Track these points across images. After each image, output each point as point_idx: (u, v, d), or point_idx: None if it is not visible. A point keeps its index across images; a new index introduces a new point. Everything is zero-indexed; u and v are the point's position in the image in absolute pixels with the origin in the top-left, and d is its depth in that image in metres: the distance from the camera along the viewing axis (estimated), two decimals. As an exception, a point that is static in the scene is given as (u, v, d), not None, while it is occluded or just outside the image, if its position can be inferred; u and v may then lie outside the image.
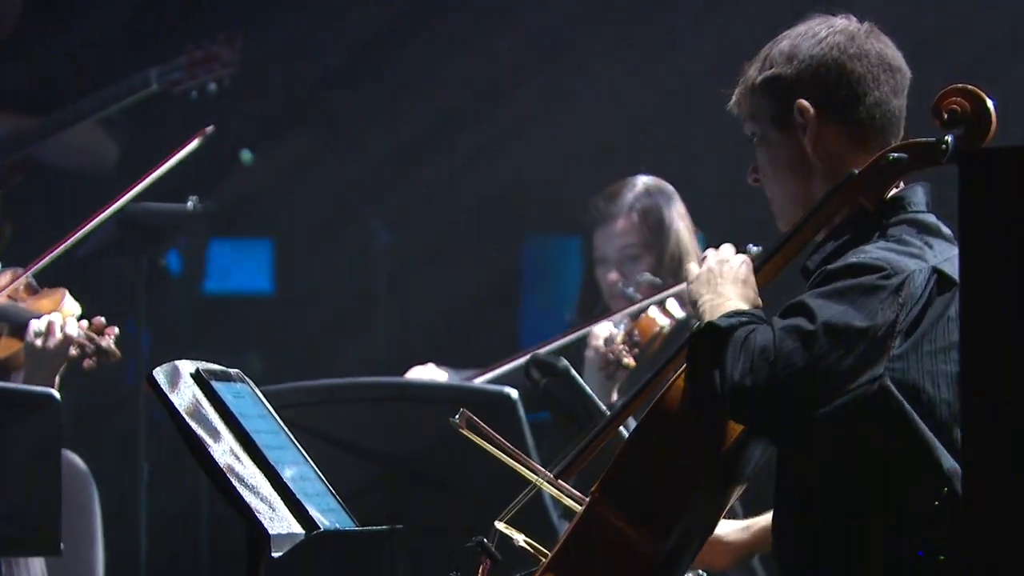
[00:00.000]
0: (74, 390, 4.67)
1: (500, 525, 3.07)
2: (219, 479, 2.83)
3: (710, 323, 2.84)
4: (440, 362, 4.99)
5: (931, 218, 2.97)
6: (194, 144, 4.58)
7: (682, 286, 4.77)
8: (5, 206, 4.79)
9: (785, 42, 3.04)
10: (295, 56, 6.61)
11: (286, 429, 3.07)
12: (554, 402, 4.22)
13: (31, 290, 4.41)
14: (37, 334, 4.22)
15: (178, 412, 2.87)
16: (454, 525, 4.27)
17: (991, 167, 2.20)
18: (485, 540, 3.04)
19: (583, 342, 4.89)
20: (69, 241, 4.44)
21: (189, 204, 5.16)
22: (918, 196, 2.98)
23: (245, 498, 2.82)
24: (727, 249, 3.02)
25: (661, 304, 4.83)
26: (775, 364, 2.74)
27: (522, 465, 3.10)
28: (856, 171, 2.96)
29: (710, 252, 3.02)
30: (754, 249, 4.54)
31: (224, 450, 2.86)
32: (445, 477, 4.34)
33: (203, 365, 2.97)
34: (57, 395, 3.88)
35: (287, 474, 2.92)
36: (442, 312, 6.63)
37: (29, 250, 4.52)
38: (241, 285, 6.97)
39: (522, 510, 3.10)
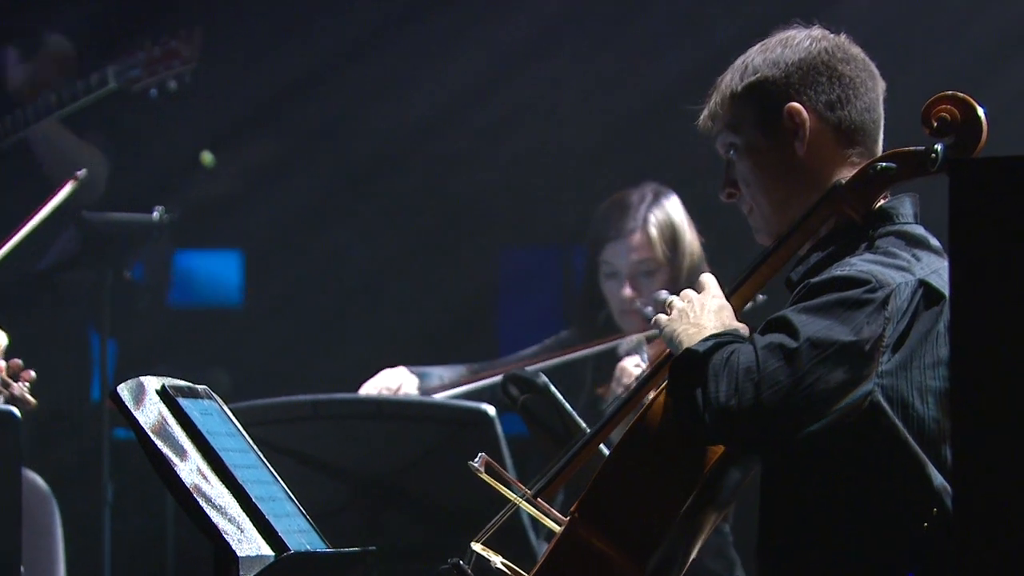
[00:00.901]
0: (35, 407, 4.65)
1: (477, 546, 3.06)
2: (186, 499, 2.83)
3: (687, 349, 2.85)
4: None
5: (919, 230, 2.98)
6: (67, 190, 4.51)
7: None
8: None
9: (763, 52, 3.05)
10: (262, 59, 6.60)
11: (255, 447, 3.07)
12: (532, 419, 4.22)
13: None
14: None
15: (143, 430, 2.86)
16: (429, 546, 4.27)
17: (982, 177, 2.21)
18: (461, 562, 3.04)
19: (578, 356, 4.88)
20: None
21: (155, 214, 5.15)
22: (906, 207, 2.99)
23: (213, 519, 2.81)
24: (706, 279, 3.01)
25: None
26: (760, 384, 2.75)
27: (501, 484, 3.10)
28: (843, 181, 2.97)
29: (672, 297, 3.02)
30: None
31: (191, 469, 2.86)
32: (420, 497, 4.34)
33: (169, 381, 2.97)
34: (16, 412, 3.86)
35: (256, 494, 2.91)
36: (417, 325, 6.62)
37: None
38: (209, 298, 6.95)
39: (499, 531, 3.10)
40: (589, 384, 4.89)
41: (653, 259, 4.94)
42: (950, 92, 2.89)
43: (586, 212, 5.23)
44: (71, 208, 5.42)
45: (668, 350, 4.75)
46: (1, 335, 4.17)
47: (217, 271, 6.99)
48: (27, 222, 4.41)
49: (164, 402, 2.93)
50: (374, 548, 3.13)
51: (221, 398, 3.10)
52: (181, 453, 2.87)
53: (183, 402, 2.95)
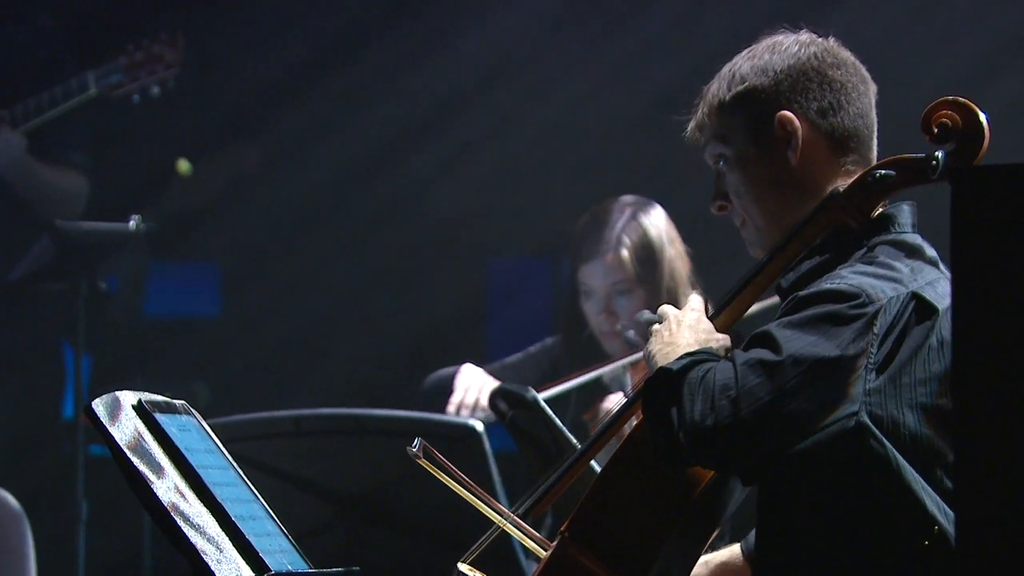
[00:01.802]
0: (6, 422, 4.65)
1: (463, 567, 3.06)
2: (163, 518, 2.82)
3: (660, 368, 2.83)
4: (406, 388, 4.98)
5: (915, 238, 2.97)
6: None
7: None
8: None
9: (751, 59, 3.04)
10: (242, 65, 6.60)
11: (235, 464, 3.06)
12: (521, 435, 4.22)
13: None
14: None
15: (119, 446, 2.85)
16: (415, 567, 4.27)
17: (984, 185, 2.21)
18: (448, 583, 3.04)
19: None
20: None
21: (131, 224, 5.14)
22: (904, 215, 2.98)
23: (190, 538, 2.81)
24: (693, 301, 3.01)
25: None
26: (737, 401, 2.72)
27: (485, 504, 3.09)
28: (840, 189, 2.96)
29: (667, 308, 3.01)
30: None
31: (168, 487, 2.85)
32: (405, 516, 4.33)
33: (146, 396, 2.96)
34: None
35: (236, 513, 2.90)
36: (402, 337, 6.62)
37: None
38: (186, 309, 6.95)
39: (487, 551, 3.09)
40: (573, 409, 4.88)
41: (627, 280, 4.92)
42: (951, 97, 2.89)
43: (575, 221, 5.23)
44: (45, 217, 5.42)
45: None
46: None
47: (195, 282, 6.98)
48: None
49: (140, 417, 2.92)
50: (358, 569, 3.13)
51: (200, 413, 3.09)
52: (158, 470, 2.86)
53: (160, 417, 2.94)
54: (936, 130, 2.87)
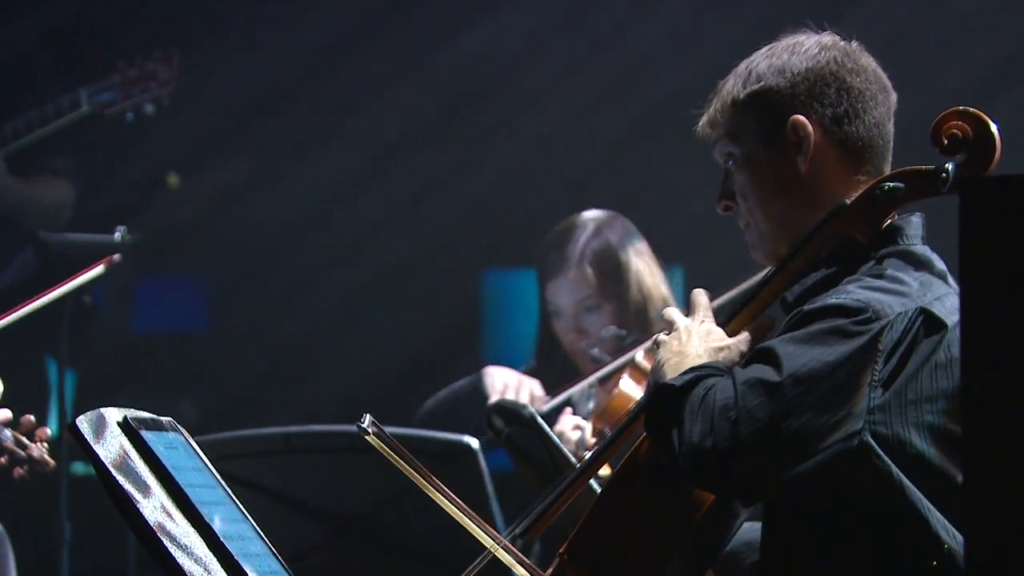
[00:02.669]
0: (53, 468, 4.64)
1: (458, 589, 3.05)
2: (149, 538, 2.81)
3: (664, 384, 2.82)
4: (399, 404, 4.98)
5: (924, 251, 2.96)
6: (98, 270, 4.46)
7: (651, 341, 4.75)
8: None
9: (769, 57, 3.02)
10: (231, 75, 6.61)
11: (223, 483, 3.06)
12: (518, 453, 4.21)
13: None
14: None
15: (104, 464, 2.85)
16: (408, 588, 4.26)
17: (995, 197, 2.21)
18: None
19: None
20: None
21: (117, 235, 5.14)
22: (912, 227, 2.97)
23: (177, 559, 2.80)
24: (701, 299, 2.99)
25: (632, 365, 4.77)
26: (737, 423, 2.71)
27: (476, 526, 3.08)
28: (848, 201, 2.96)
29: (674, 318, 2.99)
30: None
31: (154, 506, 2.85)
32: (397, 536, 4.33)
33: (131, 413, 2.96)
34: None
35: (224, 533, 2.90)
36: (395, 351, 6.62)
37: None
38: (174, 324, 6.94)
39: (482, 572, 3.09)
40: None
41: (592, 296, 4.92)
42: (961, 107, 2.89)
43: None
44: (28, 228, 5.41)
45: (631, 408, 4.74)
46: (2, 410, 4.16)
47: (183, 296, 6.98)
48: (42, 296, 4.37)
49: (126, 435, 2.92)
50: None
51: (187, 430, 3.09)
52: (144, 489, 2.86)
53: (146, 435, 2.94)
54: (946, 141, 2.87)
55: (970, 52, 5.98)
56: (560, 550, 2.90)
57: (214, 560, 2.86)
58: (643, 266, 4.95)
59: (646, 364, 4.78)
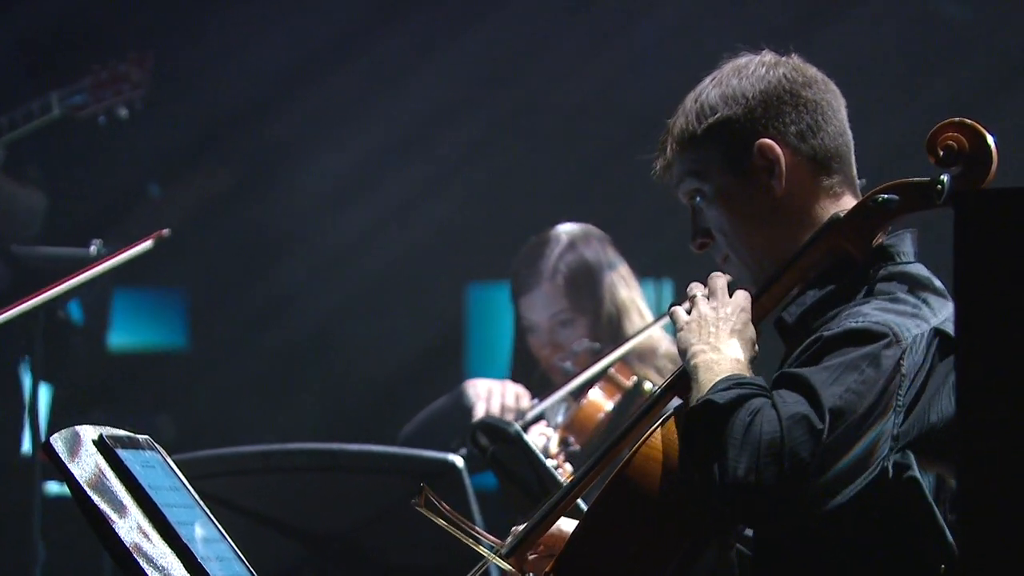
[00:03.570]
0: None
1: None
2: (124, 560, 2.81)
3: (708, 401, 2.78)
4: (382, 420, 4.97)
5: (922, 270, 2.96)
6: (146, 245, 4.42)
7: (624, 349, 4.76)
8: None
9: (718, 86, 3.02)
10: (212, 82, 6.61)
11: (202, 503, 3.05)
12: (503, 471, 4.21)
13: None
14: None
15: (78, 484, 2.84)
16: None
17: (990, 210, 2.21)
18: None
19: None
20: None
21: (92, 248, 5.13)
22: (906, 245, 2.98)
23: (154, 581, 2.80)
24: (720, 281, 2.98)
25: (604, 377, 4.77)
26: (782, 461, 2.70)
27: (474, 543, 3.08)
28: (841, 214, 2.96)
29: (698, 290, 2.97)
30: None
31: (131, 527, 2.84)
32: (380, 556, 4.33)
33: (107, 431, 2.95)
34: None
35: (202, 553, 2.90)
36: (378, 367, 6.62)
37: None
38: (151, 339, 6.94)
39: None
40: None
41: (566, 309, 4.92)
42: (957, 119, 2.89)
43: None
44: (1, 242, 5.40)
45: (599, 419, 4.73)
46: None
47: (160, 310, 6.97)
48: (97, 265, 4.32)
49: (102, 453, 2.91)
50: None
51: (164, 448, 3.09)
52: (120, 509, 2.85)
53: (122, 453, 2.93)
54: (942, 153, 2.87)
55: (967, 63, 6.00)
56: (547, 568, 2.90)
57: (192, 582, 2.86)
58: (616, 278, 4.96)
59: (620, 377, 4.79)
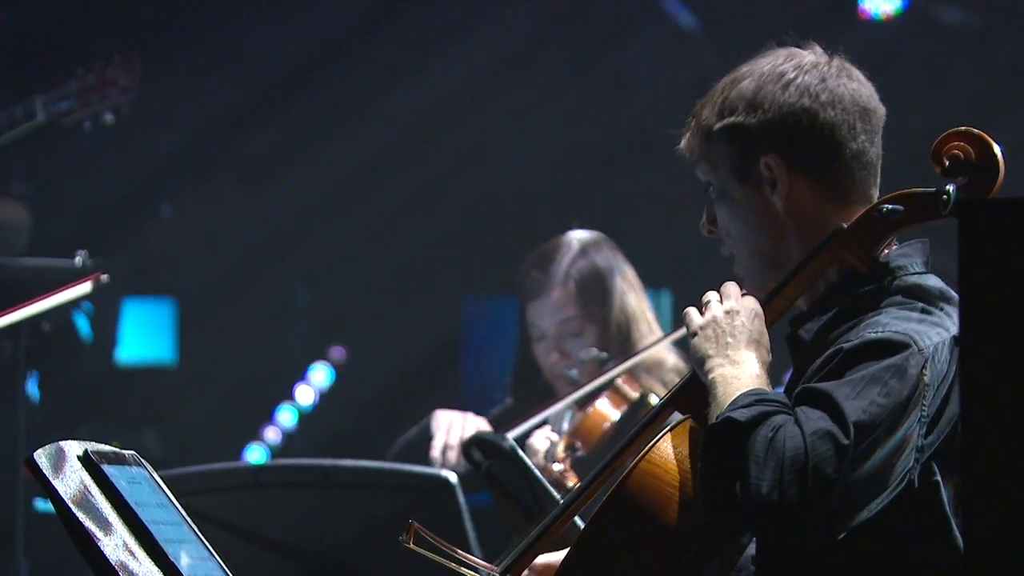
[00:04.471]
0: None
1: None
2: (110, 578, 2.81)
3: (728, 418, 2.77)
4: (374, 435, 4.97)
5: (936, 281, 2.96)
6: (84, 287, 4.43)
7: (632, 362, 4.76)
8: None
9: (747, 82, 3.02)
10: (201, 91, 6.61)
11: (189, 520, 3.05)
12: (498, 487, 4.21)
13: None
14: None
15: (63, 500, 2.84)
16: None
17: (996, 220, 2.21)
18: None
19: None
20: None
21: (77, 259, 5.12)
22: (917, 256, 2.98)
23: (140, 601, 2.80)
24: (733, 289, 2.98)
25: (610, 387, 4.77)
26: (806, 478, 2.70)
27: (472, 572, 3.08)
28: (844, 225, 2.95)
29: (712, 296, 2.97)
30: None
31: (116, 544, 2.84)
32: (369, 571, 4.32)
33: (92, 446, 2.95)
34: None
35: (190, 572, 2.89)
36: (370, 380, 6.62)
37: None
38: (138, 352, 6.93)
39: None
40: None
41: (576, 317, 4.92)
42: (963, 128, 2.88)
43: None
44: None
45: (605, 428, 4.73)
46: None
47: (149, 321, 6.97)
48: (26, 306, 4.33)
49: (87, 469, 2.91)
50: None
51: (151, 464, 3.08)
52: (105, 526, 2.85)
53: (108, 469, 2.93)
54: (947, 163, 2.87)
55: (973, 71, 6.01)
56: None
57: (179, 601, 2.85)
58: (627, 287, 4.96)
59: (627, 388, 4.78)
